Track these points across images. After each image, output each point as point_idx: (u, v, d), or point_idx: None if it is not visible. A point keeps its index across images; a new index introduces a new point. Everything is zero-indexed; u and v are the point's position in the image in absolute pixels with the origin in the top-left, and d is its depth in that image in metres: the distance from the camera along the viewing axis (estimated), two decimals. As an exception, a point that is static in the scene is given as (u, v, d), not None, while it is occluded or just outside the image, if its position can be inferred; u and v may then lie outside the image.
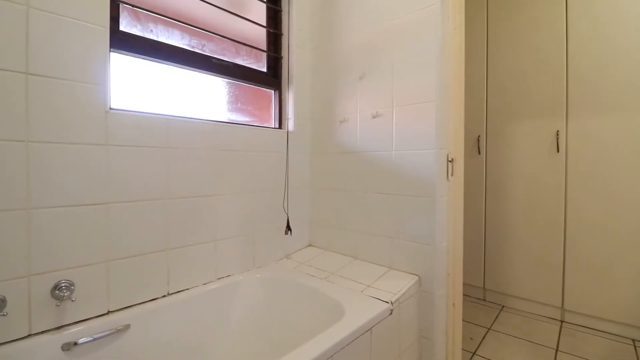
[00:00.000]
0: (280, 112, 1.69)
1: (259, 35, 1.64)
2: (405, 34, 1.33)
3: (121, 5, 1.14)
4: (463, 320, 1.46)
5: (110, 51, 1.06)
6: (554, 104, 1.94)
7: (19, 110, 0.87)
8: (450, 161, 1.30)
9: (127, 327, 1.03)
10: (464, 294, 1.46)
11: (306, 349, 0.84)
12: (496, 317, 1.99)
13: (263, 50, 1.63)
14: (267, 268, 1.49)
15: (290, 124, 1.66)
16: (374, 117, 1.45)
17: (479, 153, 2.23)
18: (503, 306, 2.14)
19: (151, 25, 1.24)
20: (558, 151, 1.92)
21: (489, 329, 1.85)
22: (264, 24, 1.64)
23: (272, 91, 1.69)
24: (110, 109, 1.05)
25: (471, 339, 1.74)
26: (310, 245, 1.75)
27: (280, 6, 1.68)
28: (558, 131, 1.92)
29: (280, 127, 1.68)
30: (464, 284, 1.47)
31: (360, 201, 1.51)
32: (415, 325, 1.27)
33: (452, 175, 1.31)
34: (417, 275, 1.29)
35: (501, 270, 2.16)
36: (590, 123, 1.83)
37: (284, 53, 1.68)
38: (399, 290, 1.19)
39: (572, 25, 1.87)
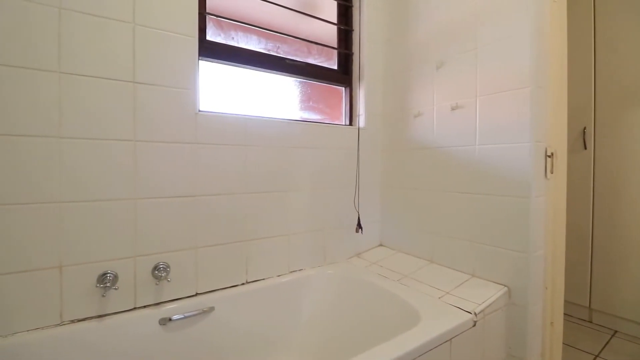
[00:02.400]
0: (350, 108, 1.67)
1: (330, 34, 1.64)
2: (491, 13, 1.19)
3: (207, 17, 1.25)
4: (563, 342, 1.24)
5: (199, 59, 1.17)
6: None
7: (129, 114, 1.01)
8: (549, 156, 1.12)
9: (212, 309, 1.13)
10: (564, 313, 1.25)
11: (381, 352, 0.80)
12: (606, 343, 1.66)
13: (334, 48, 1.63)
14: (338, 265, 1.48)
15: (361, 121, 1.63)
16: (453, 109, 1.33)
17: (585, 148, 1.89)
18: (615, 331, 1.78)
19: (232, 33, 1.33)
20: (701, 144, 1.52)
21: (597, 356, 1.55)
22: (335, 22, 1.64)
23: (343, 88, 1.68)
24: (199, 111, 1.16)
25: (573, 365, 1.48)
26: (381, 245, 1.69)
27: (351, 2, 1.66)
28: (701, 118, 1.52)
29: (350, 124, 1.66)
30: (565, 302, 1.25)
31: (437, 200, 1.40)
32: (502, 342, 1.13)
33: (551, 173, 1.13)
34: (505, 285, 1.14)
35: (614, 287, 1.79)
36: None
37: (355, 49, 1.65)
38: (484, 301, 1.06)
39: None
